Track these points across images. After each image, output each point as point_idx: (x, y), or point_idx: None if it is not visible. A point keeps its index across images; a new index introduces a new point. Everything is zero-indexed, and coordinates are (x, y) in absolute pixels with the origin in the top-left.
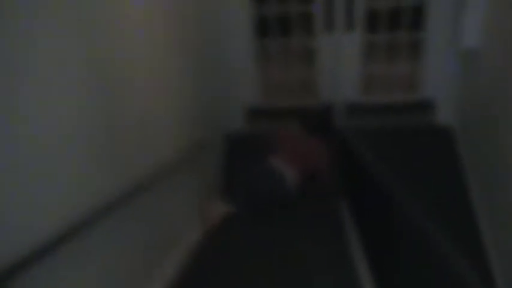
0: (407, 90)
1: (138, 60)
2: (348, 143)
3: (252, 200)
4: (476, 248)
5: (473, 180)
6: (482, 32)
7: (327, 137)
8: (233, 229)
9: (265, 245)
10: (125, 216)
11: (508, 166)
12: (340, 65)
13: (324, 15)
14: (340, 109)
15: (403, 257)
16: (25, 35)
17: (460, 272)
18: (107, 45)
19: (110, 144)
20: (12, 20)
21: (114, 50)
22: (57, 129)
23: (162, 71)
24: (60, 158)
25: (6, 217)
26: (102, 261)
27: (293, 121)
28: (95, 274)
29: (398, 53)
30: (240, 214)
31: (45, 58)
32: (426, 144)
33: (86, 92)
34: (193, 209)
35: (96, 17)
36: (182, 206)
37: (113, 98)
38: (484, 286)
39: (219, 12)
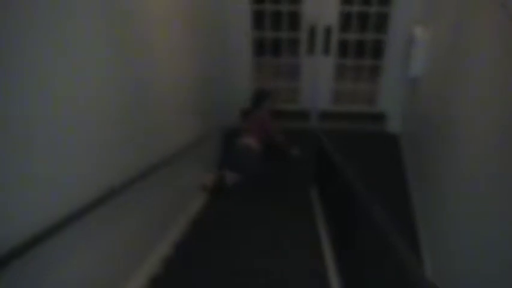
0: (367, 103)
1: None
2: (320, 141)
3: (233, 162)
4: (410, 226)
5: (412, 174)
6: (424, 65)
7: (262, 110)
8: (224, 205)
9: (250, 217)
10: (147, 188)
11: (437, 165)
12: (317, 80)
13: (308, 41)
14: (315, 114)
15: (354, 229)
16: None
17: (397, 245)
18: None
19: (141, 126)
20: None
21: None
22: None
23: (184, 82)
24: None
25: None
26: (131, 223)
27: (277, 120)
28: (127, 232)
29: (361, 74)
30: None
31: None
32: (378, 146)
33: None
34: (198, 181)
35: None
36: (191, 179)
37: (143, 98)
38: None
39: (226, 36)
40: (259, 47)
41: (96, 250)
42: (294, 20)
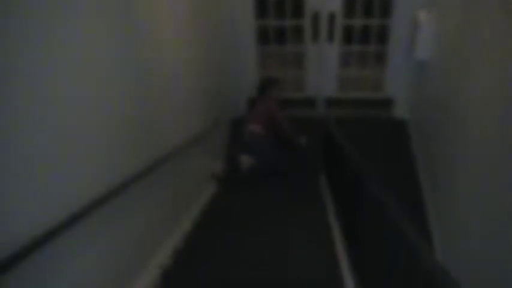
0: (373, 89)
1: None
2: (327, 128)
3: (244, 146)
4: (420, 212)
5: (420, 159)
6: (430, 49)
7: (269, 98)
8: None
9: (259, 208)
10: (159, 178)
11: (446, 149)
12: (323, 68)
13: (312, 29)
14: (321, 101)
15: (365, 215)
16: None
17: (408, 232)
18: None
19: (153, 119)
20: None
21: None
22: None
23: (196, 77)
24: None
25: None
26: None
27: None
28: (143, 221)
29: (367, 60)
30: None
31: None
32: (386, 132)
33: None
34: (208, 170)
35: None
36: (201, 169)
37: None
38: (421, 237)
39: (230, 27)
40: (264, 36)
41: (105, 246)
42: (298, 7)
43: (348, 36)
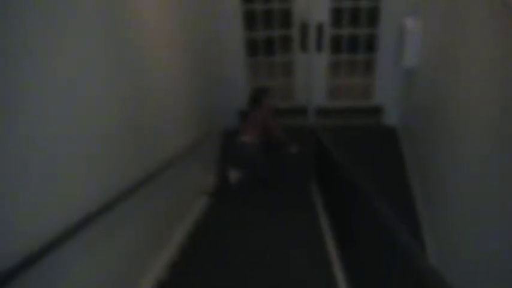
0: (362, 97)
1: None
2: (318, 137)
3: (236, 160)
4: (412, 216)
5: (411, 166)
6: (418, 56)
7: (262, 108)
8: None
9: (251, 218)
10: (148, 193)
11: (436, 155)
12: (312, 77)
13: (300, 39)
14: (311, 111)
15: (357, 221)
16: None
17: (400, 235)
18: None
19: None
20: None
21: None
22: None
23: (182, 91)
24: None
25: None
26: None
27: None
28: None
29: (356, 69)
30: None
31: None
32: (376, 140)
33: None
34: (199, 184)
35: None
36: (192, 182)
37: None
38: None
39: (219, 39)
40: (253, 47)
41: (100, 260)
42: (286, 18)
43: (337, 45)
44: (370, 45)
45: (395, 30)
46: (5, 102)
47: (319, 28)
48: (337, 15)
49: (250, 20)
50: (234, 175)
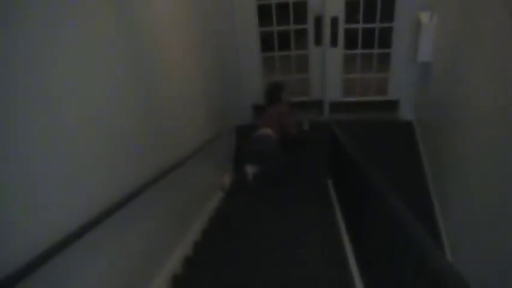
0: (378, 92)
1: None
2: (333, 132)
3: (254, 155)
4: (429, 214)
5: (427, 160)
6: (433, 50)
7: (279, 103)
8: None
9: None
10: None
11: (452, 148)
12: (327, 72)
13: (315, 33)
14: (326, 105)
15: (371, 216)
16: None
17: (417, 234)
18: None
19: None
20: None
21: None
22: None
23: (198, 90)
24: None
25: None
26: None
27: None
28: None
29: (370, 64)
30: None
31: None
32: (392, 134)
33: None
34: (215, 180)
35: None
36: (208, 178)
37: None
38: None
39: (234, 35)
40: (267, 42)
41: (115, 257)
42: (300, 13)
43: (352, 39)
44: (385, 39)
45: (411, 24)
46: (26, 100)
47: (334, 22)
48: (351, 9)
49: (264, 14)
50: (250, 171)
